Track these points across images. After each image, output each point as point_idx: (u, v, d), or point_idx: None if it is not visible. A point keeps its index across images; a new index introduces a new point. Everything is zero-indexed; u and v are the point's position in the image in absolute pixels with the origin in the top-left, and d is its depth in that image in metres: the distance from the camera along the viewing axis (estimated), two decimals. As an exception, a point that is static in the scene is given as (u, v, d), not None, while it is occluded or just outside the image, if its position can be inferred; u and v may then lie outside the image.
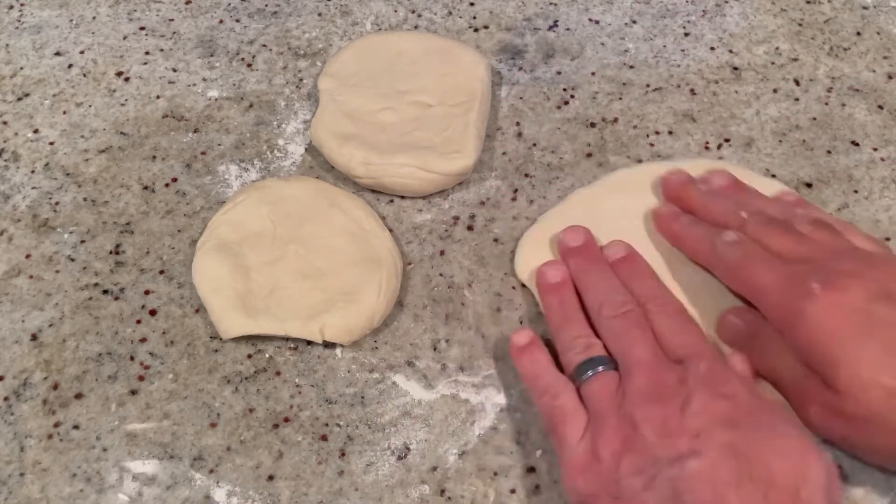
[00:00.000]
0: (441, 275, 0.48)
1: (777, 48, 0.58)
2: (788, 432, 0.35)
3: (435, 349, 0.45)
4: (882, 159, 0.52)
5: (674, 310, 0.41)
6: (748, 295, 0.41)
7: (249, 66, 0.57)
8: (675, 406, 0.36)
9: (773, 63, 0.57)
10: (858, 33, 0.59)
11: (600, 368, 0.39)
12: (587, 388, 0.39)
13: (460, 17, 0.60)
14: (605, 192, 0.50)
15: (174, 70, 0.57)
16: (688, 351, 0.38)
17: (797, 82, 0.56)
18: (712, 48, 0.58)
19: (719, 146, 0.53)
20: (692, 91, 0.56)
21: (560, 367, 0.41)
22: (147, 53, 0.58)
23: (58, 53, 0.58)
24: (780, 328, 0.39)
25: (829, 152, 0.53)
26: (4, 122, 0.54)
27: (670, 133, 0.54)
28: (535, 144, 0.53)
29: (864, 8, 0.61)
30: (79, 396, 0.43)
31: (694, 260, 0.45)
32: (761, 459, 0.33)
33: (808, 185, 0.51)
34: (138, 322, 0.46)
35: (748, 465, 0.33)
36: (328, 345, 0.45)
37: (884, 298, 0.37)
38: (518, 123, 0.54)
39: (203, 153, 0.53)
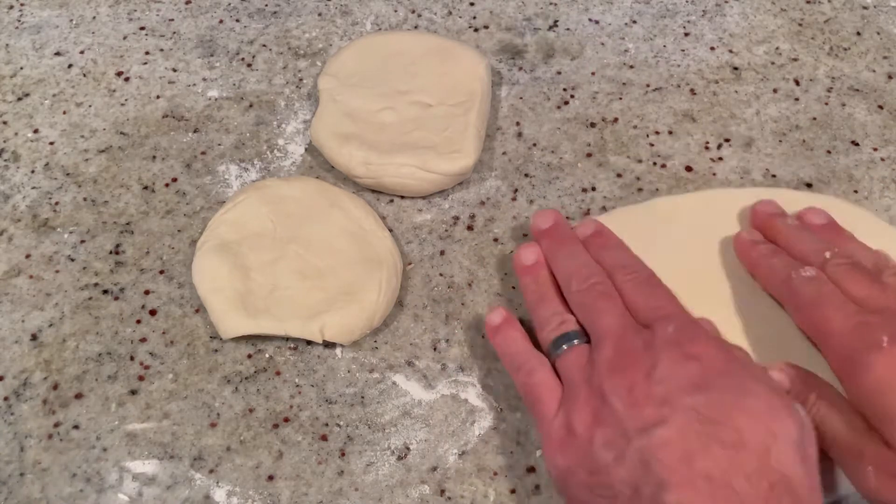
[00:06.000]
0: (441, 275, 0.48)
1: (777, 48, 0.58)
2: (757, 390, 0.34)
3: (435, 349, 0.45)
4: (882, 159, 0.52)
5: (643, 276, 0.41)
6: (814, 335, 0.40)
7: (249, 66, 0.57)
8: (640, 373, 0.36)
9: (773, 63, 0.57)
10: (858, 33, 0.59)
11: (575, 342, 0.39)
12: (560, 362, 0.39)
13: (460, 17, 0.60)
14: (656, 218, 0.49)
15: (174, 70, 0.57)
16: (657, 314, 0.38)
17: (797, 82, 0.56)
18: (712, 48, 0.58)
19: (719, 146, 0.53)
20: (692, 91, 0.56)
21: (539, 346, 0.42)
22: (147, 53, 0.58)
23: (58, 53, 0.58)
24: (842, 376, 0.38)
25: (829, 152, 0.53)
26: (4, 122, 0.54)
27: (670, 133, 0.54)
28: (535, 144, 0.53)
29: (864, 8, 0.61)
30: (79, 396, 0.43)
31: (765, 289, 0.43)
32: (729, 422, 0.33)
33: (809, 185, 0.51)
34: (138, 322, 0.46)
35: (715, 429, 0.33)
36: (328, 345, 0.45)
37: None
38: (518, 123, 0.54)
39: (203, 153, 0.53)
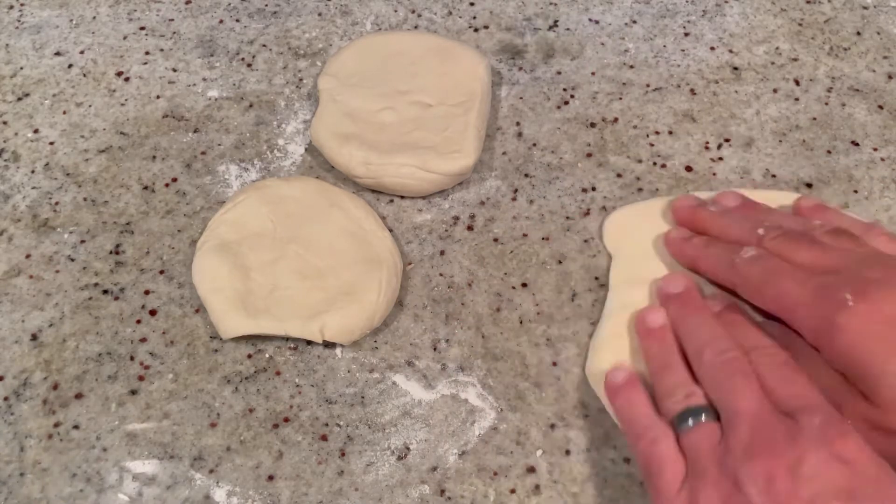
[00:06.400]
0: (441, 275, 0.48)
1: (777, 48, 0.58)
2: None
3: (435, 349, 0.45)
4: (882, 159, 0.52)
5: (781, 359, 0.38)
6: (776, 311, 0.40)
7: (249, 66, 0.57)
8: (782, 465, 0.33)
9: (773, 63, 0.57)
10: (858, 33, 0.59)
11: (702, 418, 0.37)
12: (687, 438, 0.37)
13: (460, 17, 0.60)
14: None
15: (174, 70, 0.57)
16: (800, 403, 0.35)
17: (797, 82, 0.56)
18: (712, 48, 0.58)
19: (719, 146, 0.53)
20: (692, 91, 0.56)
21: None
22: (147, 53, 0.58)
23: (58, 53, 0.58)
24: (816, 342, 0.37)
25: (829, 152, 0.53)
26: (4, 122, 0.54)
27: (670, 133, 0.54)
28: (535, 144, 0.53)
29: (864, 8, 0.61)
30: (79, 396, 0.43)
31: (712, 281, 0.43)
32: None
33: (809, 185, 0.51)
34: (138, 322, 0.46)
35: None
36: (328, 345, 0.45)
37: None
38: (518, 123, 0.54)
39: (203, 153, 0.53)
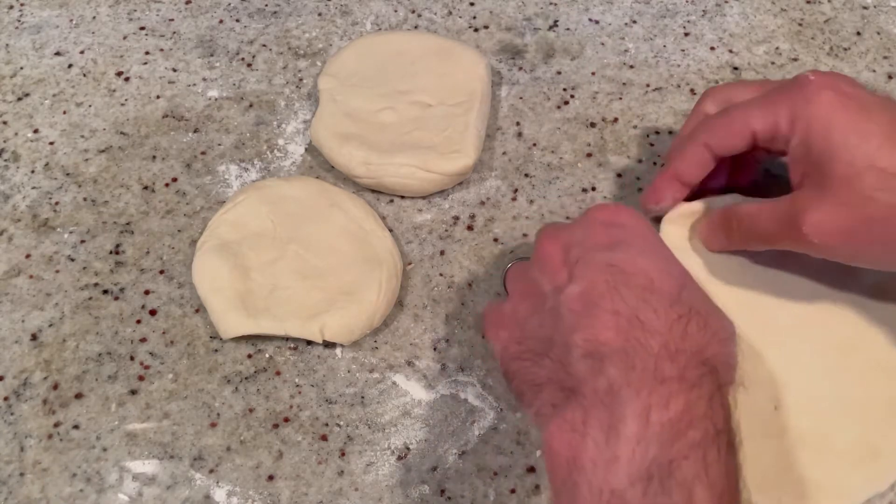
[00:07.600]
0: (441, 275, 0.48)
1: (777, 48, 0.58)
2: (670, 256, 0.36)
3: (435, 349, 0.45)
4: (882, 159, 0.52)
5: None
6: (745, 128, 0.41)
7: (249, 66, 0.57)
8: (560, 242, 0.37)
9: (773, 63, 0.57)
10: (858, 33, 0.59)
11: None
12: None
13: (460, 17, 0.60)
14: None
15: (174, 70, 0.57)
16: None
17: (797, 82, 0.56)
18: (712, 48, 0.58)
19: (719, 146, 0.53)
20: (692, 91, 0.56)
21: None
22: (147, 53, 0.58)
23: (58, 53, 0.58)
24: (789, 133, 0.39)
25: (829, 152, 0.53)
26: (4, 122, 0.54)
27: (670, 133, 0.54)
28: (535, 144, 0.53)
29: (864, 8, 0.61)
30: (79, 396, 0.43)
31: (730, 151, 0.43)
32: (640, 271, 0.34)
33: (808, 185, 0.51)
34: (138, 322, 0.46)
35: (626, 277, 0.34)
36: (328, 345, 0.45)
37: (864, 88, 0.38)
38: (518, 123, 0.54)
39: (203, 153, 0.53)
